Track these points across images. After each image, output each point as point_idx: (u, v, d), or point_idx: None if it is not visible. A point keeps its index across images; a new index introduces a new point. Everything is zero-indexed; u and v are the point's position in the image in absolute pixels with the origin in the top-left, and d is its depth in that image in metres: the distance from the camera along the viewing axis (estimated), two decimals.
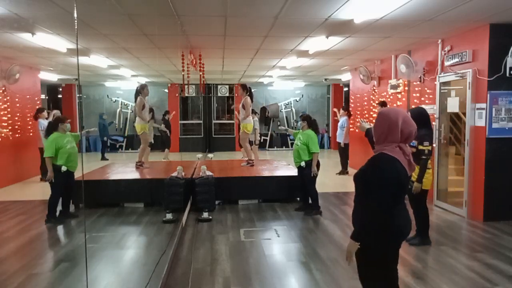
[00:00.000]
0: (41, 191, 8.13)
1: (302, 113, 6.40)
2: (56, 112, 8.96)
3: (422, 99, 7.16)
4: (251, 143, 9.96)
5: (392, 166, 2.26)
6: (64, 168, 5.47)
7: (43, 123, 8.39)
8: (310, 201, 6.21)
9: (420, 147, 4.36)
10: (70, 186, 5.67)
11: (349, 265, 2.39)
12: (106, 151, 12.64)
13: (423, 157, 4.35)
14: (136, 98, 7.19)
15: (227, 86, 15.63)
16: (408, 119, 2.33)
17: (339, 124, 9.71)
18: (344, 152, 9.61)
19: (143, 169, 7.50)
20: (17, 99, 8.83)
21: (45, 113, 8.59)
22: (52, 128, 5.62)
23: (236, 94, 15.17)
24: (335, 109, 11.20)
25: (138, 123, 7.29)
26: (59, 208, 5.75)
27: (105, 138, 12.79)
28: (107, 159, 11.79)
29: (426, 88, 7.05)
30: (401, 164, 2.28)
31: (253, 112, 10.44)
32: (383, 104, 7.96)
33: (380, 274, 2.41)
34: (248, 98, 7.58)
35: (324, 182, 8.33)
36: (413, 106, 7.48)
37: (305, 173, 6.00)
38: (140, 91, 7.14)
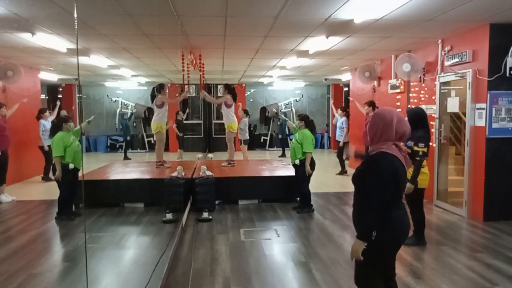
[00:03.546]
0: (41, 191, 8.16)
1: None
2: (62, 112, 9.02)
3: (422, 99, 7.16)
4: (240, 142, 10.12)
5: (390, 163, 2.32)
6: (71, 166, 5.60)
7: (45, 123, 8.42)
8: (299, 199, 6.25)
9: (415, 148, 4.33)
10: (76, 184, 5.76)
11: (352, 261, 2.46)
12: (126, 152, 12.63)
13: (417, 158, 4.30)
14: (152, 99, 7.22)
15: None
16: (402, 119, 2.42)
17: (338, 124, 9.70)
18: (341, 151, 9.62)
19: (165, 168, 7.37)
20: (17, 99, 8.83)
21: (47, 114, 8.68)
22: (56, 127, 5.75)
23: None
24: (333, 108, 11.26)
25: (154, 122, 7.25)
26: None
27: (128, 138, 12.78)
28: (130, 159, 11.79)
29: (426, 88, 7.05)
30: (400, 161, 2.35)
31: (245, 112, 10.61)
32: (371, 104, 8.03)
33: (376, 273, 2.47)
34: (229, 96, 7.64)
35: (324, 182, 8.34)
36: (412, 106, 7.49)
37: (298, 172, 6.13)
38: (159, 90, 7.16)
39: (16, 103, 7.81)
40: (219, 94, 15.76)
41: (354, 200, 2.54)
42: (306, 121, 6.17)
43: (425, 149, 4.34)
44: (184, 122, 12.26)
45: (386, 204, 2.29)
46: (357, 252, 2.33)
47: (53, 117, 8.87)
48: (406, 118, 4.35)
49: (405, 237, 2.47)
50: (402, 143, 2.45)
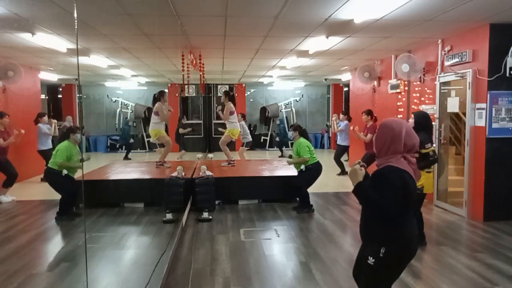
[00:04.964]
0: (41, 191, 8.15)
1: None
2: (68, 118, 9.03)
3: (422, 99, 7.16)
4: (242, 144, 10.23)
5: (400, 178, 2.21)
6: (65, 172, 5.67)
7: (44, 127, 8.41)
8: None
9: (423, 151, 4.22)
10: (74, 187, 5.79)
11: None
12: (129, 152, 12.97)
13: (430, 158, 4.30)
14: (154, 103, 7.26)
15: (227, 86, 15.63)
16: (411, 131, 2.31)
17: (340, 127, 9.74)
18: (341, 153, 9.77)
19: (165, 168, 7.42)
20: (17, 99, 8.83)
21: (45, 118, 8.60)
22: (64, 137, 5.87)
23: (236, 94, 15.22)
24: (334, 119, 11.39)
25: (151, 129, 7.19)
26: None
27: (131, 141, 13.33)
28: (130, 159, 12.15)
29: (426, 88, 7.05)
30: (409, 175, 2.24)
31: (242, 116, 10.72)
32: (369, 113, 8.05)
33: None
34: (231, 104, 7.74)
35: (324, 182, 8.32)
36: (413, 107, 7.49)
37: (300, 176, 6.24)
38: (159, 98, 7.15)
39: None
40: (219, 94, 15.79)
41: (362, 212, 2.42)
42: (299, 130, 6.38)
43: (432, 148, 4.35)
44: (184, 122, 12.28)
45: (396, 213, 2.22)
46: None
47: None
48: (413, 120, 4.50)
49: (416, 249, 2.36)
50: (410, 155, 2.31)
